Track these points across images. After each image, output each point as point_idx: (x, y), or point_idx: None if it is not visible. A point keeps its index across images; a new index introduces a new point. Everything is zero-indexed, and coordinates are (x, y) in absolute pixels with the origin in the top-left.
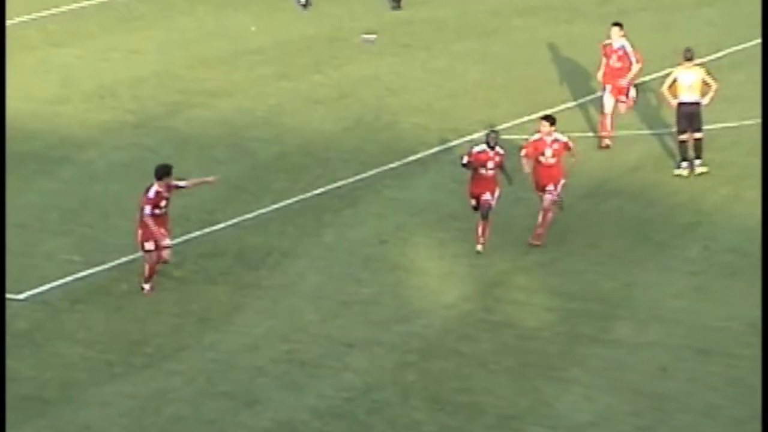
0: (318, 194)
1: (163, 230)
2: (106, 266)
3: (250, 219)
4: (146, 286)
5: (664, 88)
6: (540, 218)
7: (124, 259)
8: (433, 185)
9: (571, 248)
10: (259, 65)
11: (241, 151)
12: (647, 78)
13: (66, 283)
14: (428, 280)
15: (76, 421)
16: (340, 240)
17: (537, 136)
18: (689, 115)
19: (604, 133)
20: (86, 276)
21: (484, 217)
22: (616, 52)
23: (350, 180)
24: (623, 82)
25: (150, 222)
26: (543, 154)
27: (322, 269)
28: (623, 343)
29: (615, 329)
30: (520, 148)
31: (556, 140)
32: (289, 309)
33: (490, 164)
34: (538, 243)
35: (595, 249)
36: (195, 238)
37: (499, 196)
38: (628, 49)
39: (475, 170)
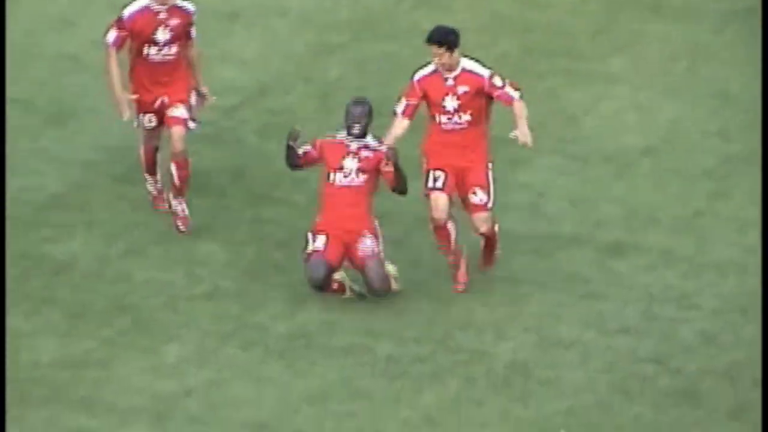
0: None
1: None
2: None
3: None
4: (151, 188)
5: None
6: (483, 244)
7: None
8: None
9: None
10: None
11: None
12: None
13: None
14: None
15: None
16: None
17: (428, 68)
18: None
19: None
20: None
21: (376, 292)
22: None
23: None
24: None
25: (112, 65)
26: (441, 106)
27: None
28: None
29: None
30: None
31: (466, 74)
32: None
33: (349, 164)
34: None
35: None
36: None
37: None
38: None
39: (325, 180)
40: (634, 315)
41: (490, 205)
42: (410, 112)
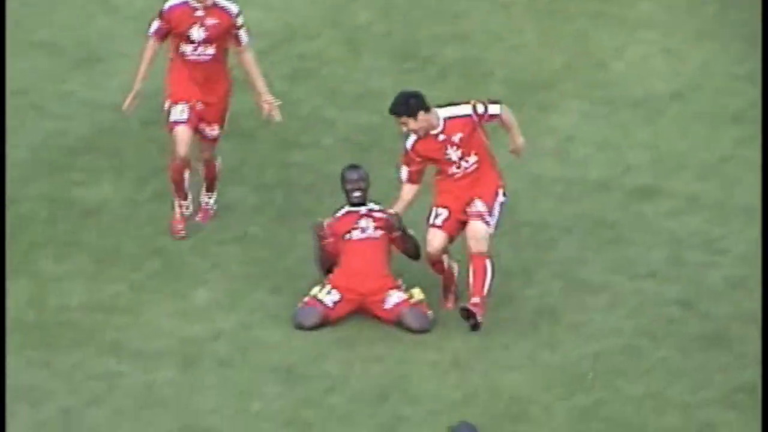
0: None
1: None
2: None
3: None
4: (177, 209)
5: None
6: (471, 276)
7: None
8: None
9: None
10: None
11: None
12: None
13: None
14: None
15: None
16: None
17: (411, 138)
18: None
19: None
20: None
21: (419, 331)
22: None
23: None
24: None
25: (146, 55)
26: (446, 161)
27: None
28: None
29: None
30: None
31: (453, 122)
32: None
33: (365, 223)
34: (476, 316)
35: None
36: None
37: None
38: None
39: (341, 240)
40: (661, 260)
41: (489, 221)
42: (415, 177)
